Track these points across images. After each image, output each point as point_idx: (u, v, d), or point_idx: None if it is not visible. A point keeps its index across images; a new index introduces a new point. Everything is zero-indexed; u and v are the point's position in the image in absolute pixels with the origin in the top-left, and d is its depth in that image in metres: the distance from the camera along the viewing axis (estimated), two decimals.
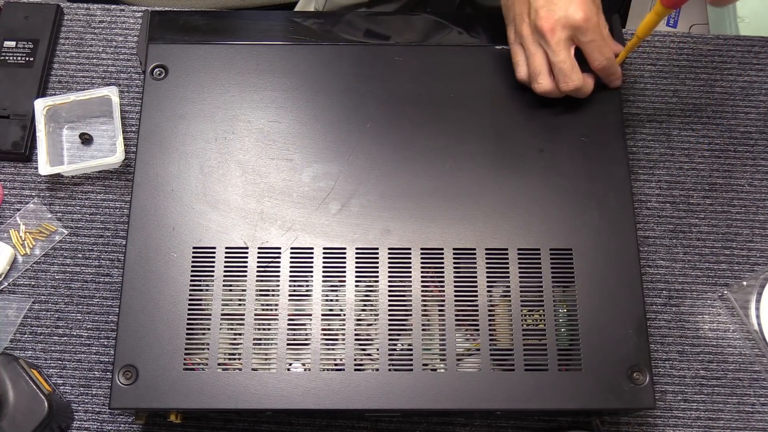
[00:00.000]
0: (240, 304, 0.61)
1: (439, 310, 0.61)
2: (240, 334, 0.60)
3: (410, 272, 0.62)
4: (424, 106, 0.68)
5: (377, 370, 0.59)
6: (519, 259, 0.63)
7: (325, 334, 0.60)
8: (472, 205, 0.64)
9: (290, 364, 0.60)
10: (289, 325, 0.61)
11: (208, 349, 0.60)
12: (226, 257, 0.62)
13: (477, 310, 0.61)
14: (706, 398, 0.69)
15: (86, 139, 0.76)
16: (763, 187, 0.76)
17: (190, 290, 0.61)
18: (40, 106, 0.73)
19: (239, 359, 0.60)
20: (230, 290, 0.62)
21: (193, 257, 0.62)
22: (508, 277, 0.62)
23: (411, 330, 0.61)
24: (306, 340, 0.60)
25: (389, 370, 0.59)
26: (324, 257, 0.63)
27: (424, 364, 0.60)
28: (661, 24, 1.36)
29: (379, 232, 0.63)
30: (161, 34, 0.71)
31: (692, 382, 0.70)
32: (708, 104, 0.80)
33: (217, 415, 0.67)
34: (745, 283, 0.72)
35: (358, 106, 0.68)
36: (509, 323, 0.61)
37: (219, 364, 0.60)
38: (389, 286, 0.62)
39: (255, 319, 0.61)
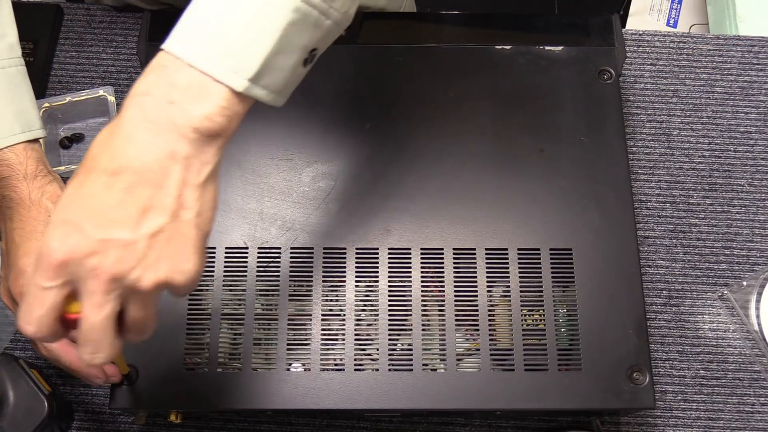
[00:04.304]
0: (240, 304, 0.61)
1: (439, 310, 0.61)
2: (240, 334, 0.60)
3: (410, 272, 0.62)
4: (424, 106, 0.68)
5: (377, 370, 0.59)
6: (519, 259, 0.63)
7: (325, 334, 0.60)
8: (472, 205, 0.64)
9: (290, 364, 0.60)
10: (289, 325, 0.61)
11: (208, 349, 0.60)
12: (226, 257, 0.62)
13: (477, 310, 0.61)
14: (706, 398, 0.69)
15: (75, 139, 0.76)
16: (763, 187, 0.76)
17: None
18: (37, 107, 0.73)
19: (239, 359, 0.60)
20: (230, 290, 0.62)
21: None
22: (508, 277, 0.62)
23: (411, 330, 0.61)
24: (306, 340, 0.60)
25: (389, 370, 0.59)
26: (324, 257, 0.62)
27: (424, 364, 0.60)
28: (662, 24, 1.37)
29: (379, 232, 0.63)
30: (161, 34, 0.70)
31: (692, 382, 0.70)
32: (708, 104, 0.80)
33: (217, 415, 0.67)
34: (745, 283, 0.72)
35: (358, 106, 0.68)
36: (509, 323, 0.61)
37: (219, 364, 0.60)
38: (389, 286, 0.62)
39: (255, 319, 0.61)
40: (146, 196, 0.42)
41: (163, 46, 0.44)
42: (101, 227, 0.41)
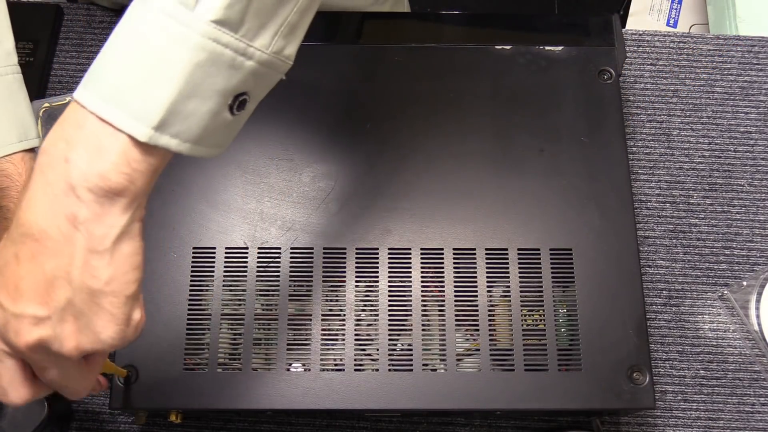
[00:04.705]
0: (240, 304, 0.61)
1: (439, 310, 0.61)
2: (240, 334, 0.60)
3: (410, 272, 0.62)
4: (423, 106, 0.68)
5: (377, 370, 0.59)
6: (519, 259, 0.63)
7: (325, 334, 0.60)
8: (472, 205, 0.64)
9: (290, 364, 0.60)
10: (289, 325, 0.61)
11: (208, 349, 0.60)
12: (226, 257, 0.62)
13: (477, 310, 0.61)
14: (706, 398, 0.69)
15: None
16: (763, 187, 0.76)
17: (190, 290, 0.61)
18: (37, 107, 0.73)
19: (239, 359, 0.60)
20: (230, 290, 0.62)
21: (193, 257, 0.62)
22: (508, 277, 0.62)
23: (411, 330, 0.61)
24: (306, 340, 0.60)
25: (389, 370, 0.59)
26: (324, 257, 0.63)
27: (424, 364, 0.60)
28: (662, 24, 1.37)
29: (379, 232, 0.63)
30: None
31: (692, 382, 0.70)
32: (708, 104, 0.80)
33: (217, 415, 0.67)
34: (745, 283, 0.72)
35: (358, 106, 0.68)
36: (509, 323, 0.61)
37: (219, 364, 0.60)
38: (389, 286, 0.62)
39: (255, 319, 0.61)
40: (50, 266, 0.39)
41: (73, 94, 0.40)
42: (14, 301, 0.39)
